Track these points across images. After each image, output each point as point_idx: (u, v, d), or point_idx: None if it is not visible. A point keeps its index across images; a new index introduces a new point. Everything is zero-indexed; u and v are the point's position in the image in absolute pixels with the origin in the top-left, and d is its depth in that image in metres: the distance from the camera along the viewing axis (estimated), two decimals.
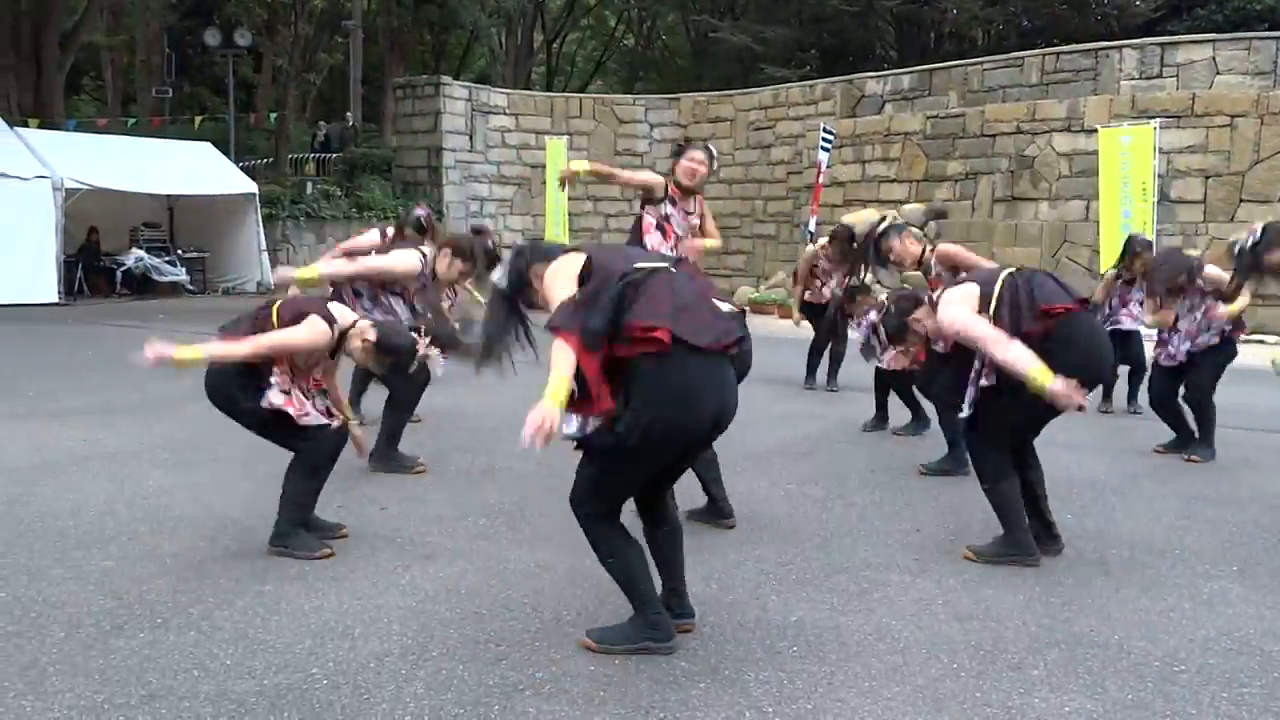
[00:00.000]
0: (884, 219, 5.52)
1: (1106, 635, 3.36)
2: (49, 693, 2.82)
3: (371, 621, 3.35)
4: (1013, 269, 4.09)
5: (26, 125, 18.26)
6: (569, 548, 4.15)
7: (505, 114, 22.47)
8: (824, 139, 17.84)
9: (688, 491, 4.24)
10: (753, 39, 26.59)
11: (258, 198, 18.67)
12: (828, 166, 17.94)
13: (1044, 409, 3.80)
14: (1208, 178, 14.81)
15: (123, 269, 17.50)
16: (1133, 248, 7.38)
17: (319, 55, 28.30)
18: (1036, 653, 3.21)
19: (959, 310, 3.93)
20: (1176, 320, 6.10)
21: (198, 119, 24.05)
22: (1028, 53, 19.56)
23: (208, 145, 19.46)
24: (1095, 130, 14.80)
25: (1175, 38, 18.12)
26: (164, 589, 3.63)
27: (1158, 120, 14.64)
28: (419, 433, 6.48)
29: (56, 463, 5.57)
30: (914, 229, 5.47)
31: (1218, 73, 16.37)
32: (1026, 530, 4.07)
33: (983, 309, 3.89)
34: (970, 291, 3.99)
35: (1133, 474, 5.74)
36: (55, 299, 15.71)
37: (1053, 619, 3.49)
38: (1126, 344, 7.38)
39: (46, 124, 19.35)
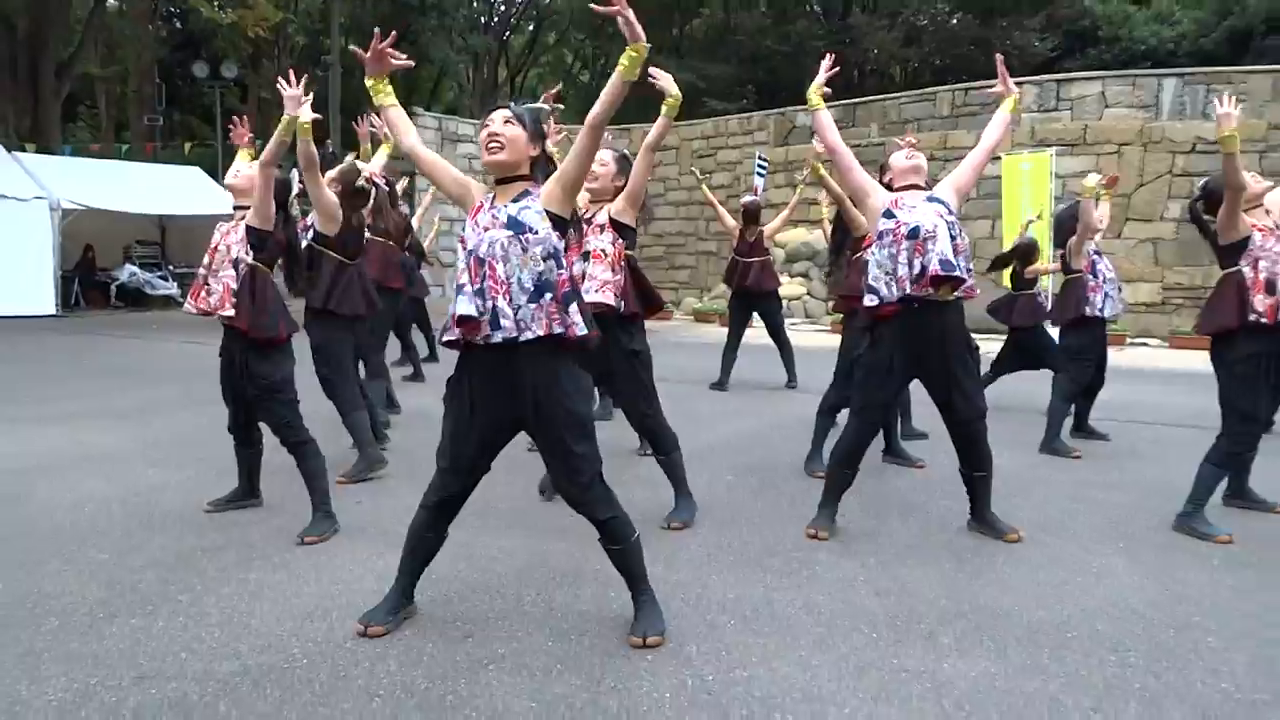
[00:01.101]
0: None
1: (1007, 606, 3.41)
2: (44, 677, 2.76)
3: (348, 605, 3.31)
4: None
5: (25, 150, 17.90)
6: (530, 535, 4.16)
7: (473, 142, 22.36)
8: (759, 165, 17.95)
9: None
10: (696, 76, 26.69)
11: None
12: (763, 190, 18.05)
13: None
14: (1098, 199, 15.09)
15: (117, 283, 17.19)
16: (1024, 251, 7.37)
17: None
18: (946, 623, 3.25)
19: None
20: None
21: (187, 145, 23.67)
22: (940, 88, 19.83)
23: (196, 169, 19.17)
24: (999, 158, 15.05)
25: (1069, 75, 18.47)
26: (154, 579, 3.57)
27: (1054, 148, 14.93)
28: (395, 429, 6.43)
29: (54, 463, 5.45)
30: None
31: (1106, 106, 16.72)
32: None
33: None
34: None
35: (1030, 464, 5.82)
36: (53, 311, 15.40)
37: (960, 592, 3.54)
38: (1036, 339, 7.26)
39: (43, 149, 18.96)
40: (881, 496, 4.95)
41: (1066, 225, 6.51)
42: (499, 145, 2.91)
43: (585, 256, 4.21)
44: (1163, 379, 10.04)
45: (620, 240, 4.26)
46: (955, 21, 26.96)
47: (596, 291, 4.12)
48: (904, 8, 25.77)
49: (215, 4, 22.61)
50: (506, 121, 2.93)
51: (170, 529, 4.20)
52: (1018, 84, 18.61)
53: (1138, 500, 4.93)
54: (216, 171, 19.91)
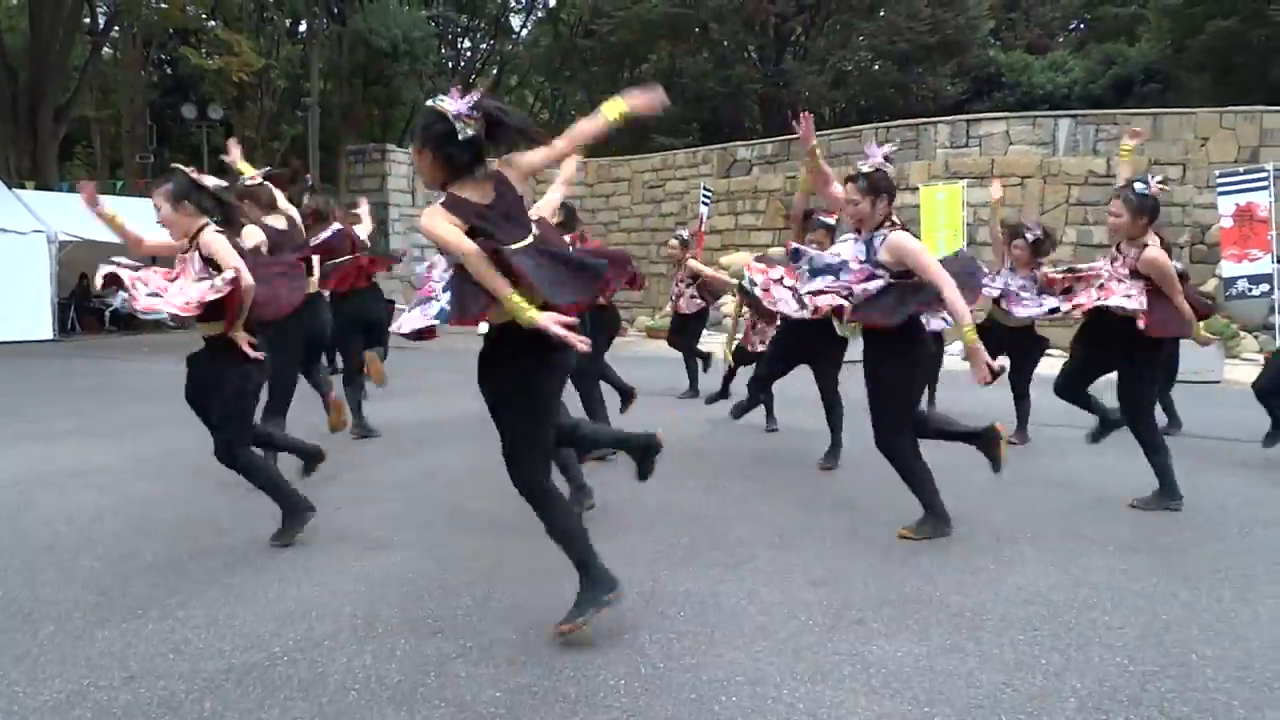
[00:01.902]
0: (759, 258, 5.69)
1: (930, 593, 3.44)
2: (40, 679, 2.68)
3: (326, 605, 3.26)
4: None
5: (24, 187, 17.47)
6: (499, 537, 4.11)
7: None
8: (704, 195, 18.06)
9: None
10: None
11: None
12: (708, 218, 18.16)
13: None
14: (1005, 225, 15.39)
15: (111, 309, 16.81)
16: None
17: (282, 127, 27.62)
18: (875, 609, 3.27)
19: None
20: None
21: None
22: (864, 126, 20.12)
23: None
24: (918, 188, 15.28)
25: (978, 115, 18.83)
26: (144, 584, 3.48)
27: (965, 180, 15.20)
28: (371, 441, 6.35)
29: (51, 478, 5.29)
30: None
31: (1011, 143, 17.06)
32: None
33: None
34: None
35: (952, 464, 5.87)
36: (50, 336, 15.02)
37: (888, 581, 3.56)
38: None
39: (41, 186, 18.54)
40: (816, 493, 4.98)
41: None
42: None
43: None
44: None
45: None
46: (877, 67, 27.40)
47: None
48: (831, 55, 26.12)
49: (203, 52, 22.30)
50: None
51: (160, 537, 4.10)
52: (933, 124, 18.84)
53: (1043, 494, 5.01)
54: None
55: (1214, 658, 2.89)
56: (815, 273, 4.05)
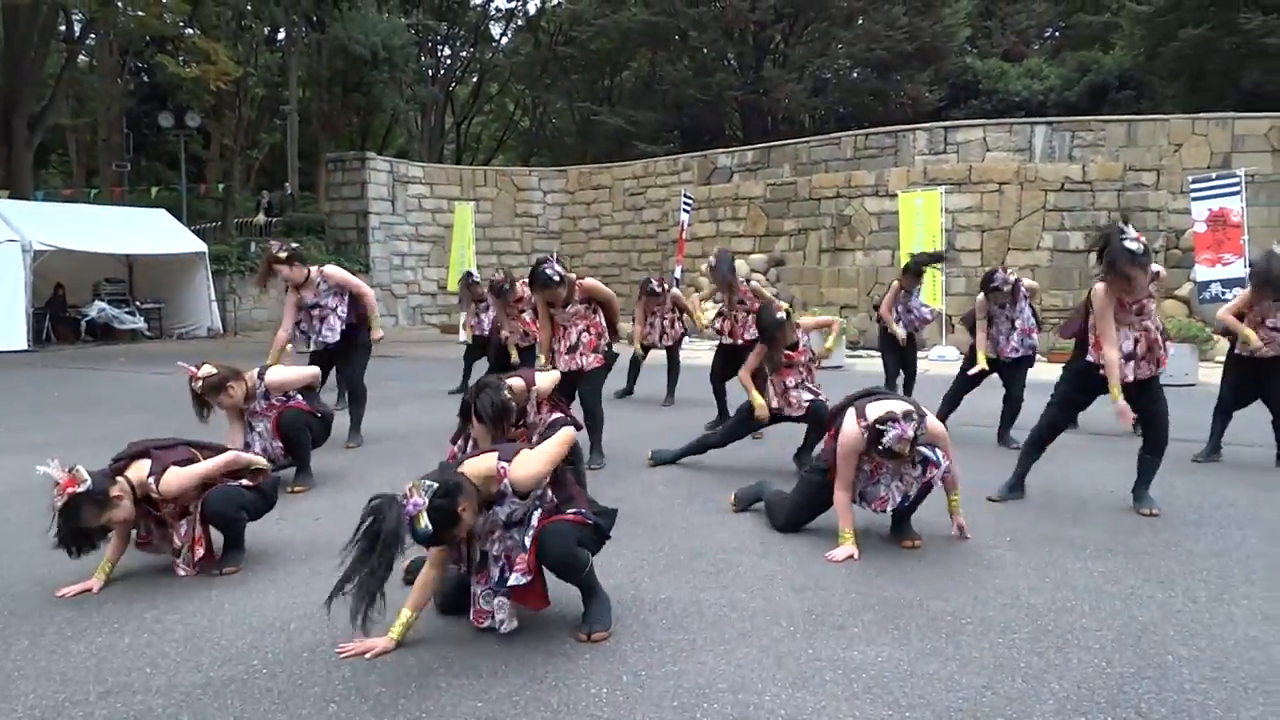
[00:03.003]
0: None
1: (910, 597, 3.46)
2: (14, 695, 2.64)
3: (306, 617, 3.23)
4: None
5: None
6: None
7: (422, 183, 22.21)
8: (685, 203, 18.10)
9: None
10: (626, 121, 26.95)
11: (207, 256, 18.00)
12: (689, 225, 18.20)
13: None
14: (983, 231, 15.54)
15: (87, 319, 16.64)
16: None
17: (260, 134, 27.46)
18: (855, 614, 3.28)
19: None
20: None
21: (154, 189, 23.02)
22: (844, 133, 20.24)
23: (162, 211, 18.68)
24: (896, 195, 15.38)
25: (956, 122, 18.99)
26: (120, 598, 3.44)
27: (944, 186, 15.30)
28: (351, 451, 6.31)
29: (26, 490, 5.21)
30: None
31: (988, 149, 17.22)
32: None
33: None
34: None
35: None
36: (25, 346, 14.81)
37: (868, 586, 3.58)
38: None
39: (16, 195, 18.32)
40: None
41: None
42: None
43: None
44: (1042, 390, 10.30)
45: None
46: (856, 75, 27.58)
47: None
48: (810, 63, 26.26)
49: (180, 60, 22.13)
50: None
51: (136, 550, 4.04)
52: (912, 131, 18.99)
53: (1023, 499, 5.04)
54: (181, 213, 19.47)
55: (1190, 658, 2.92)
56: None
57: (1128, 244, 4.24)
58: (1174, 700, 2.64)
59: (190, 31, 22.82)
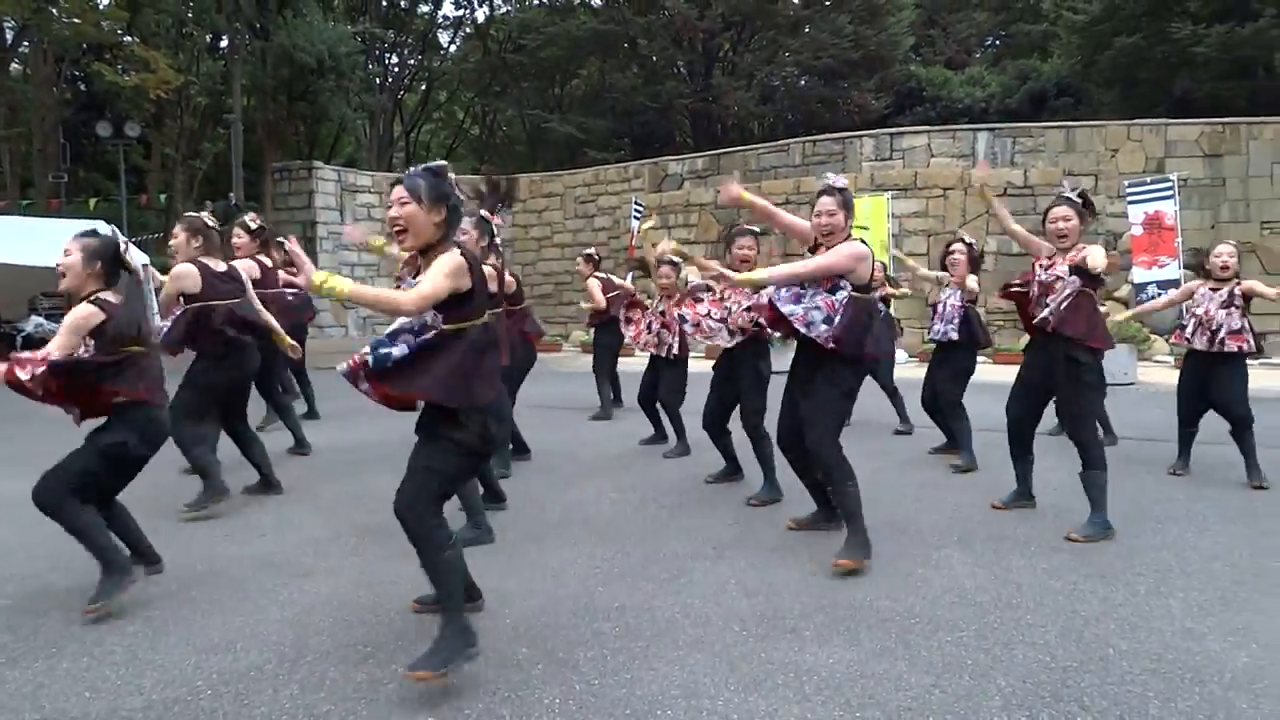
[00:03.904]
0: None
1: (860, 599, 3.49)
2: None
3: (252, 635, 3.17)
4: None
5: None
6: None
7: (371, 192, 21.96)
8: (636, 209, 18.15)
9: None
10: (577, 129, 26.92)
11: (149, 268, 17.58)
12: (639, 232, 18.24)
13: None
14: (929, 236, 15.81)
15: (23, 334, 16.16)
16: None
17: (203, 144, 26.90)
18: (807, 617, 3.31)
19: None
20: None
21: (92, 201, 22.43)
22: (792, 140, 20.43)
23: (100, 223, 18.20)
24: None
25: (901, 129, 19.28)
26: (58, 621, 3.34)
27: (890, 192, 15.55)
28: (297, 464, 6.21)
29: None
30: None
31: (932, 155, 17.51)
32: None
33: None
34: None
35: (879, 467, 6.00)
36: None
37: (820, 590, 3.61)
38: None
39: None
40: (748, 508, 5.01)
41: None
42: (402, 230, 2.72)
43: None
44: (988, 390, 10.49)
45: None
46: (804, 83, 27.87)
47: None
48: (758, 71, 26.50)
49: (118, 68, 21.62)
50: (402, 203, 2.70)
51: (75, 570, 3.92)
52: (858, 137, 19.14)
53: (970, 498, 5.13)
54: (121, 225, 18.98)
55: (1130, 651, 2.99)
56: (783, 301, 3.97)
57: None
58: (1115, 692, 2.70)
59: (129, 39, 22.30)
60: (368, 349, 2.70)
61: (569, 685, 2.76)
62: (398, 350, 2.67)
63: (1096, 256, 4.14)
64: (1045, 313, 4.36)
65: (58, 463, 3.47)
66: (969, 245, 6.35)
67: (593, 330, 8.64)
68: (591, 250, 8.93)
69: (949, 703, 2.64)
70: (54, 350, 3.31)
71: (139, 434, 3.48)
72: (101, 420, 3.54)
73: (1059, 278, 4.38)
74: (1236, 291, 5.47)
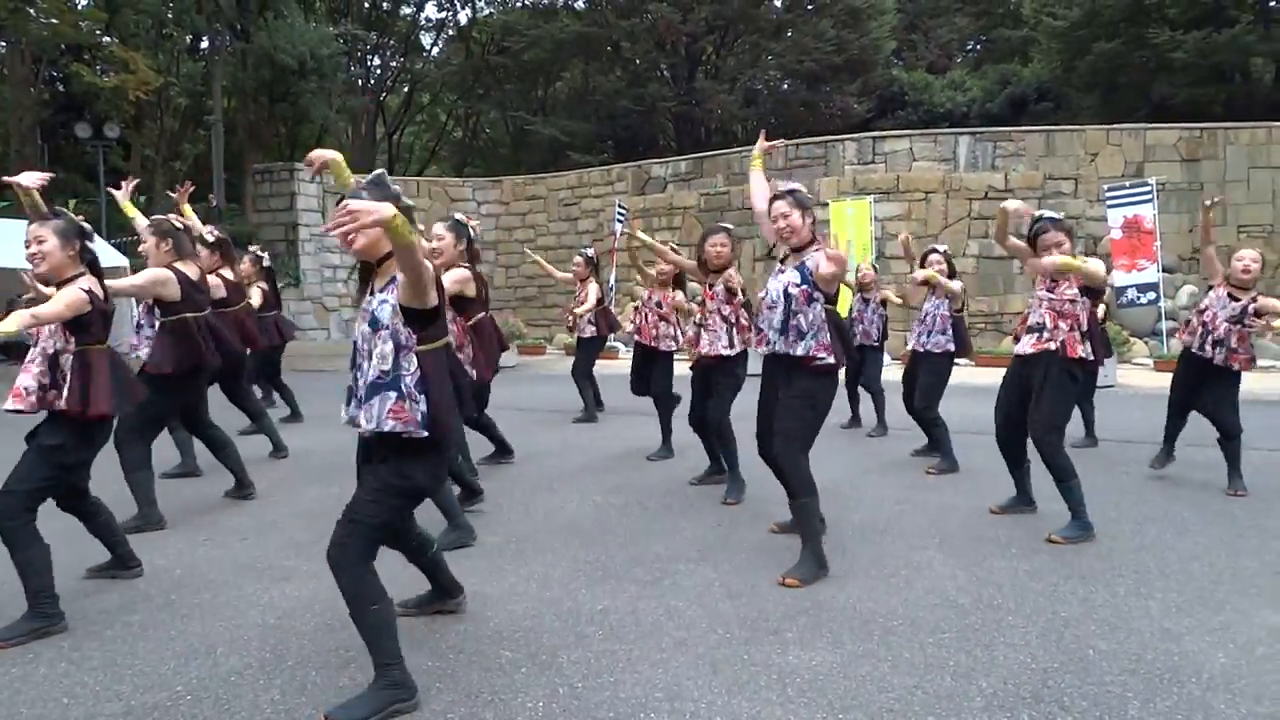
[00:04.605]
0: None
1: (842, 601, 3.51)
2: None
3: (233, 640, 3.14)
4: None
5: None
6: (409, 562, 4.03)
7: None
8: (619, 212, 18.15)
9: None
10: (560, 131, 26.89)
11: (129, 269, 17.44)
12: (622, 235, 18.24)
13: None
14: (911, 239, 15.88)
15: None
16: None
17: (183, 146, 26.69)
18: (790, 619, 3.32)
19: None
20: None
21: (71, 203, 22.23)
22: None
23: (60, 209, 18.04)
24: (827, 204, 15.64)
25: (883, 133, 19.38)
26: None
27: (872, 195, 15.63)
28: (278, 468, 6.17)
29: None
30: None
31: (914, 159, 17.60)
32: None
33: None
34: None
35: (863, 470, 6.03)
36: None
37: (802, 592, 3.61)
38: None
39: None
40: (733, 508, 5.02)
41: None
42: (352, 239, 2.68)
43: None
44: (967, 393, 10.56)
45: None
46: (786, 86, 27.97)
47: None
48: (741, 74, 26.58)
49: (97, 69, 21.42)
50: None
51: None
52: (841, 141, 19.23)
53: (951, 500, 5.16)
54: (100, 227, 18.82)
55: (1109, 651, 3.02)
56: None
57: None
58: (1094, 693, 2.73)
59: (108, 40, 22.12)
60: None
61: (552, 688, 2.76)
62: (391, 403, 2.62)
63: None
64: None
65: (8, 478, 3.34)
66: (944, 254, 6.48)
67: (577, 336, 8.59)
68: (591, 251, 8.89)
69: (931, 703, 2.66)
70: (43, 312, 3.25)
71: (75, 436, 3.36)
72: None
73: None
74: (1250, 309, 5.33)
